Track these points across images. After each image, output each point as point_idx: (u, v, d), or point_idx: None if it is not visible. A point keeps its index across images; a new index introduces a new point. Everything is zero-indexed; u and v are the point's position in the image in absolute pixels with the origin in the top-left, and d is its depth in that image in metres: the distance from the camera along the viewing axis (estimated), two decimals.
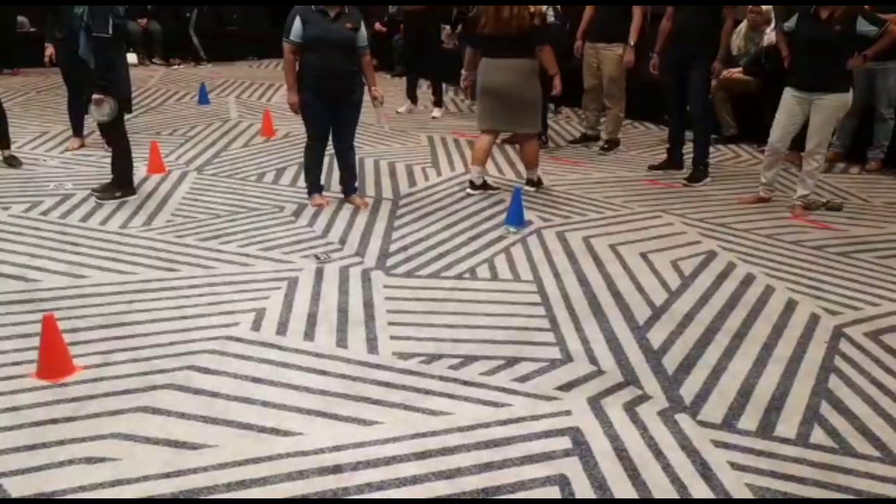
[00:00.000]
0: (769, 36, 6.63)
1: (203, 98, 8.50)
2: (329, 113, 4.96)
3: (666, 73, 5.92)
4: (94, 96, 4.77)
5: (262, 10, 12.63)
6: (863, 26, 4.78)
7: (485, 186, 5.52)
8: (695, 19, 5.59)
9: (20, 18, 10.18)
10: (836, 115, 5.02)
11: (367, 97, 5.05)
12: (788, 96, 5.10)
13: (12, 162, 5.72)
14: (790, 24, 5.09)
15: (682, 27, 5.71)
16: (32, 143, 6.48)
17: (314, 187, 5.22)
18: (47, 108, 7.84)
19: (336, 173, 5.33)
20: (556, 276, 4.12)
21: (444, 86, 8.51)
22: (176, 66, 11.06)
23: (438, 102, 8.31)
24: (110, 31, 4.68)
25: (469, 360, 3.21)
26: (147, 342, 3.26)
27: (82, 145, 6.37)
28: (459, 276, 4.09)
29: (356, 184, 5.31)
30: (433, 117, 8.10)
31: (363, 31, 4.90)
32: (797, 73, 5.06)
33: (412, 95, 8.43)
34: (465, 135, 7.33)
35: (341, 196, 5.27)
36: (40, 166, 5.82)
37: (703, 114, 5.89)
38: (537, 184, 5.60)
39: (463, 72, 5.96)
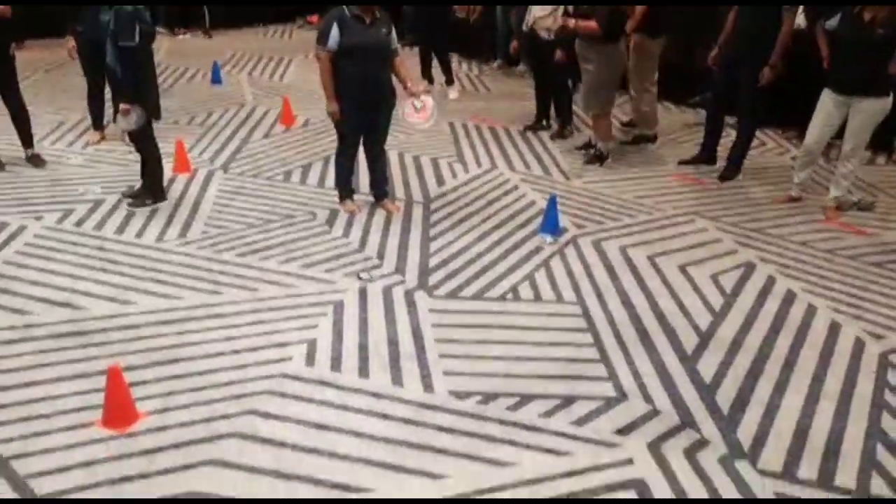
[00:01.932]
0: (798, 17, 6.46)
1: (216, 77, 8.36)
2: (364, 120, 4.88)
3: (719, 67, 5.78)
4: (122, 106, 4.69)
5: None
6: None
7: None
8: (755, 20, 5.42)
9: None
10: (876, 119, 4.97)
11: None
12: (827, 98, 5.04)
13: (37, 162, 5.64)
14: (832, 23, 4.99)
15: (741, 25, 5.54)
16: (51, 137, 6.39)
17: (346, 192, 5.18)
18: (59, 92, 7.69)
19: (365, 174, 5.29)
20: (599, 296, 4.13)
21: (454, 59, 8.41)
22: (181, 36, 10.83)
23: (450, 80, 8.19)
24: (137, 40, 4.58)
25: (525, 399, 3.25)
26: (204, 382, 3.28)
27: (102, 138, 6.28)
28: (503, 297, 4.10)
29: (387, 187, 5.27)
30: (452, 98, 7.99)
31: (394, 33, 4.80)
32: (837, 75, 4.98)
33: (427, 75, 8.29)
34: (486, 120, 7.25)
35: (371, 199, 5.24)
36: (64, 165, 5.75)
37: (750, 115, 5.74)
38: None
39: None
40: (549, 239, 4.77)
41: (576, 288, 4.21)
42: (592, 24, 5.58)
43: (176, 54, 9.65)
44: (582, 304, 4.04)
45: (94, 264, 4.26)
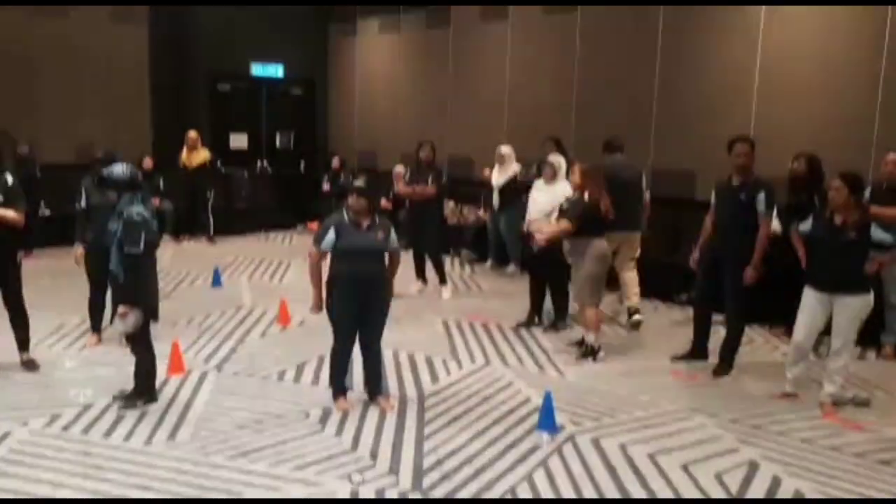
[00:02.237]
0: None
1: (216, 281, 8.59)
2: (357, 317, 4.99)
3: (701, 268, 5.99)
4: (121, 309, 4.80)
5: (268, 187, 13.11)
6: (877, 234, 4.95)
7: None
8: (734, 222, 5.69)
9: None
10: (860, 314, 5.08)
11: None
12: (809, 296, 5.19)
13: (31, 367, 5.64)
14: (805, 227, 5.26)
15: (720, 227, 5.82)
16: (49, 339, 6.44)
17: (339, 390, 5.16)
18: (62, 297, 7.84)
19: (359, 370, 5.29)
20: (601, 495, 3.98)
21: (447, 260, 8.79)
22: (186, 243, 11.25)
23: (443, 280, 8.45)
24: (141, 248, 4.77)
25: None
26: None
27: (99, 342, 6.34)
28: (502, 498, 3.95)
29: (382, 384, 5.26)
30: (446, 298, 8.19)
31: (393, 236, 5.03)
32: (815, 275, 5.17)
33: (422, 275, 8.55)
34: (480, 318, 7.38)
35: (366, 397, 5.20)
36: (58, 369, 5.74)
37: (737, 313, 5.86)
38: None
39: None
40: (546, 437, 4.69)
41: (576, 489, 4.07)
42: (564, 225, 6.02)
43: (179, 259, 9.99)
44: None
45: (77, 471, 4.13)
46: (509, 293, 8.52)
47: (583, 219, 6.04)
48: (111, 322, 5.24)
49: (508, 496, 3.98)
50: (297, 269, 9.68)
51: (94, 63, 11.66)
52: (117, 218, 4.80)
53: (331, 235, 4.91)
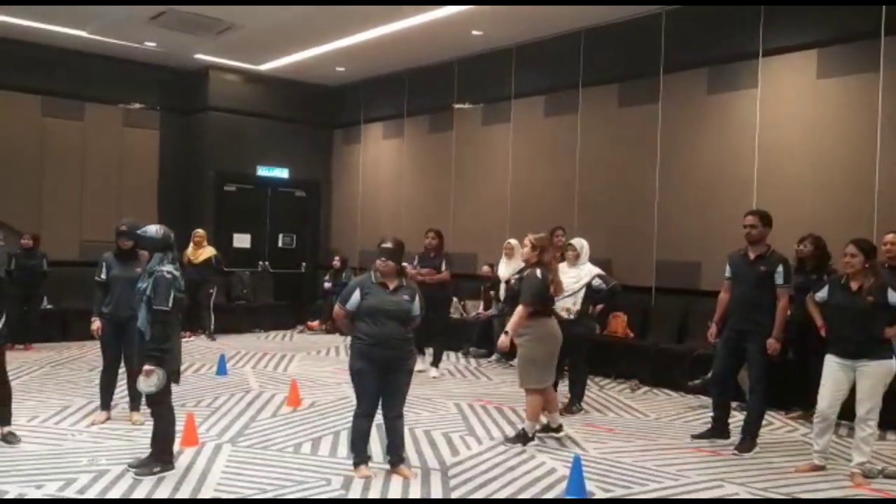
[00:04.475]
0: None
1: (222, 369, 8.48)
2: (380, 381, 4.94)
3: (722, 343, 5.97)
4: (146, 367, 4.74)
5: (269, 286, 13.16)
6: (894, 297, 5.05)
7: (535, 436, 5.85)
8: (753, 294, 5.74)
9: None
10: (884, 380, 5.09)
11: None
12: (832, 363, 5.21)
13: (11, 439, 5.43)
14: (822, 294, 5.37)
15: (738, 300, 5.83)
16: (56, 418, 6.27)
17: (360, 458, 5.03)
18: (65, 382, 7.72)
19: (377, 441, 5.18)
20: None
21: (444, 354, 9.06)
22: (186, 339, 11.14)
23: (436, 364, 8.64)
24: (170, 305, 4.79)
25: None
26: None
27: (108, 418, 6.18)
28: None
29: (403, 453, 5.13)
30: (432, 377, 8.23)
31: (418, 300, 5.07)
32: (837, 342, 5.21)
33: (421, 350, 8.53)
34: (491, 402, 7.30)
35: (387, 467, 5.07)
36: (69, 441, 5.58)
37: (762, 385, 5.80)
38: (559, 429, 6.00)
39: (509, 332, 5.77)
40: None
41: None
42: (520, 311, 5.67)
43: (183, 353, 9.83)
44: None
45: None
46: (515, 381, 8.44)
47: (536, 298, 5.67)
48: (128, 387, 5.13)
49: None
50: (301, 360, 9.62)
51: (105, 163, 12.02)
52: (147, 277, 4.83)
53: (356, 296, 4.94)
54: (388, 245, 4.98)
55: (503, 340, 5.75)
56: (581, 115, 10.00)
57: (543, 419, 6.03)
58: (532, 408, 5.84)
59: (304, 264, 13.79)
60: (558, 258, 6.77)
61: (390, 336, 4.88)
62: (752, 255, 5.87)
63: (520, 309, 5.72)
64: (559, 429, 6.02)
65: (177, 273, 4.87)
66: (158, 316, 4.77)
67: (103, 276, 6.13)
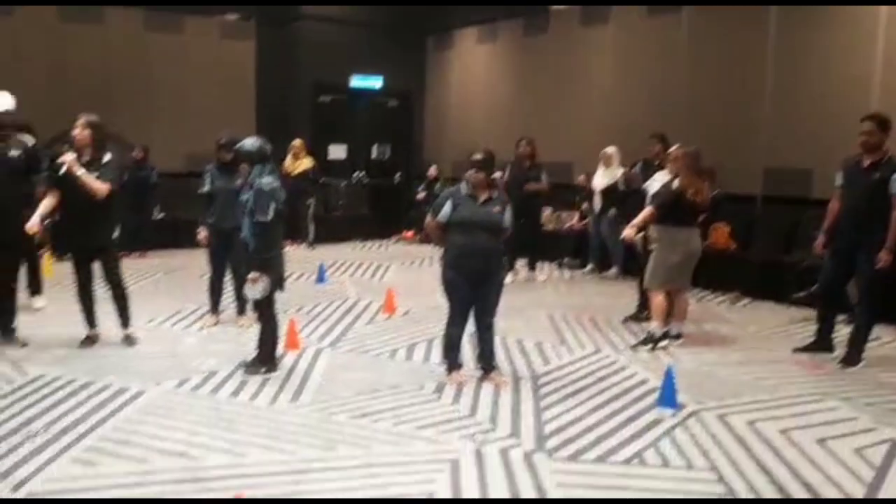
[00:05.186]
0: None
1: (321, 277, 8.79)
2: (471, 291, 5.00)
3: (830, 254, 5.73)
4: (251, 275, 4.96)
5: (364, 197, 13.40)
6: None
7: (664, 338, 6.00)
8: (865, 202, 5.43)
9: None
10: None
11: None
12: None
13: (130, 342, 5.82)
14: None
15: (849, 208, 5.55)
16: (169, 321, 6.70)
17: (453, 365, 5.17)
18: (177, 288, 8.20)
19: (469, 350, 5.30)
20: (733, 463, 3.84)
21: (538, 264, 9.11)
22: (287, 248, 11.54)
23: (532, 267, 8.89)
24: (270, 216, 4.94)
25: None
26: None
27: (217, 322, 6.56)
28: (628, 462, 3.85)
29: (494, 362, 5.23)
30: (541, 280, 8.31)
31: (508, 212, 5.04)
32: None
33: (511, 265, 8.54)
34: (585, 313, 7.28)
35: (478, 375, 5.19)
36: (180, 345, 5.97)
37: (871, 297, 5.56)
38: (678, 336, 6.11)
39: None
40: (668, 412, 4.55)
41: (706, 456, 3.93)
42: (647, 211, 6.01)
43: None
44: (717, 472, 3.75)
45: (210, 422, 4.26)
46: (613, 293, 8.40)
47: (666, 206, 5.92)
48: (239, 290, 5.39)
49: (635, 461, 3.87)
50: (397, 269, 9.84)
51: (205, 75, 12.27)
52: (248, 189, 4.99)
53: (447, 207, 4.96)
54: (479, 157, 4.94)
55: (628, 232, 6.06)
56: (686, 13, 9.41)
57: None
58: (655, 309, 6.04)
59: (398, 175, 13.90)
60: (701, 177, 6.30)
61: (481, 247, 4.90)
62: (865, 163, 5.49)
63: (648, 209, 6.05)
64: (678, 336, 6.13)
65: (276, 184, 5.01)
66: (260, 227, 4.94)
67: (207, 187, 6.38)
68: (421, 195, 12.57)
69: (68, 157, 5.36)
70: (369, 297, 7.85)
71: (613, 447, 4.04)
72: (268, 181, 4.96)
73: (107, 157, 5.57)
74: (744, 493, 3.50)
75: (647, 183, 6.73)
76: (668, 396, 4.67)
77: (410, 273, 9.71)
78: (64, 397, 4.59)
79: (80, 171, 5.36)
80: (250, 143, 5.06)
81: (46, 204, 5.46)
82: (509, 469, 3.72)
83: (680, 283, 6.15)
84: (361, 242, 12.62)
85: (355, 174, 13.47)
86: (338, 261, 10.38)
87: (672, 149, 6.57)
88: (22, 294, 6.24)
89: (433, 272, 9.65)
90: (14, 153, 5.55)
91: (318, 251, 11.30)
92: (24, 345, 5.68)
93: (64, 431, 4.06)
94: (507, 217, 5.03)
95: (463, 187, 5.00)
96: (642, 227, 6.11)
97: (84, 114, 5.65)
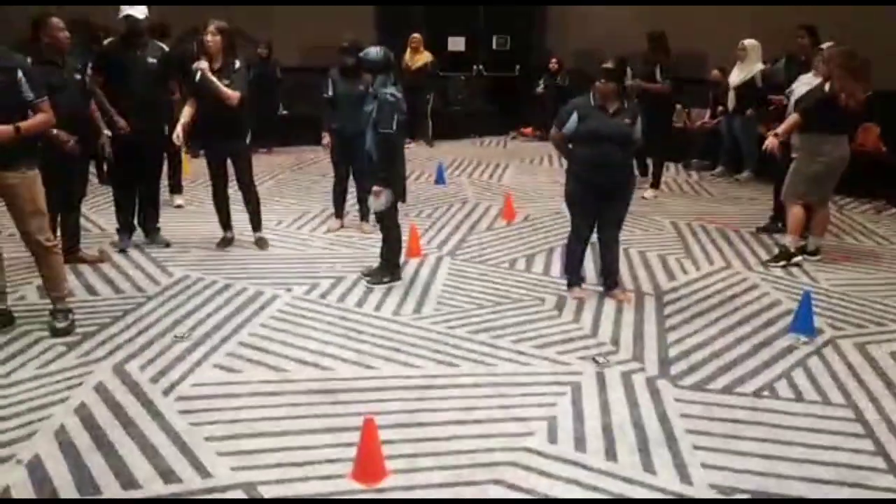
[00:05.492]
0: None
1: (440, 178, 8.80)
2: (597, 205, 4.86)
3: None
4: (374, 188, 5.01)
5: (483, 90, 13.11)
6: None
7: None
8: None
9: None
10: None
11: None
12: None
13: (262, 245, 6.05)
14: None
15: None
16: (297, 223, 6.94)
17: (574, 279, 5.11)
18: (301, 188, 8.43)
19: (590, 265, 5.22)
20: (873, 399, 3.65)
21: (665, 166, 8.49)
22: (406, 146, 11.57)
23: (656, 185, 8.09)
24: (394, 128, 4.92)
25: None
26: (447, 447, 3.23)
27: (342, 226, 6.73)
28: (757, 394, 3.74)
29: (618, 278, 5.13)
30: (643, 197, 7.80)
31: (639, 124, 4.79)
32: None
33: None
34: (713, 221, 6.97)
35: (600, 289, 5.12)
36: (309, 248, 6.19)
37: None
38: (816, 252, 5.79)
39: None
40: (803, 338, 4.35)
41: (843, 390, 3.76)
42: (793, 118, 5.54)
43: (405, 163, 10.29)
44: (854, 407, 3.59)
45: (339, 332, 4.44)
46: (742, 198, 8.00)
47: (814, 112, 5.41)
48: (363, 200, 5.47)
49: (765, 393, 3.75)
50: (516, 169, 9.70)
51: None
52: (372, 99, 4.96)
53: (573, 119, 4.75)
54: (609, 65, 4.67)
55: (771, 141, 5.54)
56: None
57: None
58: (791, 221, 5.72)
59: (518, 67, 13.46)
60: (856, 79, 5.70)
61: (609, 161, 4.70)
62: None
63: (793, 116, 5.59)
64: (815, 252, 5.81)
65: (399, 95, 4.94)
66: (383, 138, 4.93)
67: (330, 92, 6.39)
68: (540, 89, 12.17)
69: (202, 65, 5.49)
70: (488, 201, 7.81)
71: (742, 376, 3.92)
72: (391, 91, 4.89)
73: (237, 63, 5.65)
74: (884, 435, 3.34)
75: (794, 85, 6.19)
76: (803, 321, 4.46)
77: (529, 174, 9.55)
78: (205, 301, 4.89)
79: (213, 79, 5.49)
80: (374, 52, 4.98)
81: (187, 113, 5.66)
82: (631, 395, 3.70)
83: (821, 195, 5.75)
84: (479, 138, 12.49)
85: (474, 67, 13.15)
86: (456, 159, 10.33)
87: (823, 46, 5.98)
88: (163, 191, 6.60)
89: (552, 173, 9.53)
90: (151, 60, 5.72)
91: (436, 148, 11.28)
92: (168, 244, 6.06)
93: (207, 335, 4.34)
94: (638, 129, 4.78)
95: (591, 98, 4.76)
96: (786, 136, 5.64)
97: (214, 19, 5.71)
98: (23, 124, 3.96)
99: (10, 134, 3.90)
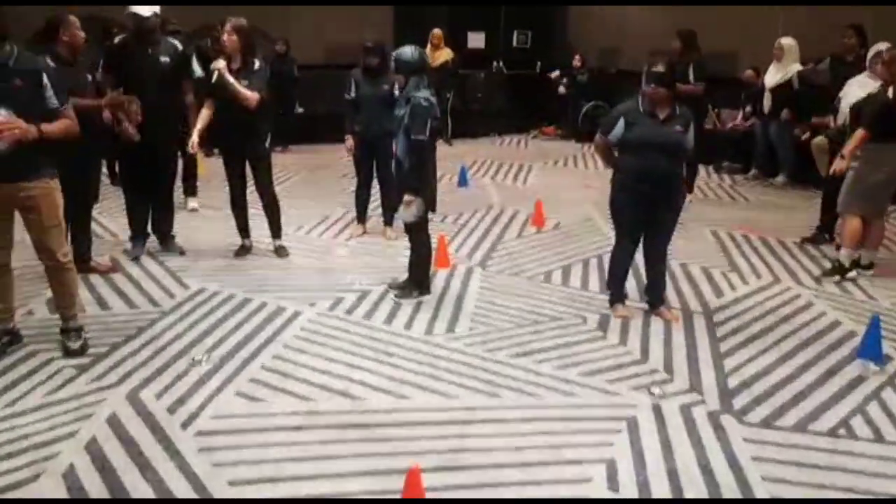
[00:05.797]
0: None
1: (463, 180, 8.47)
2: (644, 217, 4.52)
3: None
4: (406, 198, 4.68)
5: (503, 88, 12.75)
6: None
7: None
8: None
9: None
10: None
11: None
12: None
13: (281, 253, 5.76)
14: None
15: None
16: (318, 228, 6.62)
17: (617, 296, 4.78)
18: (322, 189, 8.11)
19: (631, 280, 4.90)
20: None
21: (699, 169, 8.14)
22: None
23: (689, 189, 7.70)
24: (427, 135, 4.59)
25: None
26: (493, 494, 2.90)
27: (364, 232, 6.42)
28: (833, 433, 3.40)
29: (664, 294, 4.79)
30: None
31: (692, 132, 4.45)
32: None
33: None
34: (754, 231, 6.62)
35: (644, 307, 4.78)
36: (332, 256, 5.87)
37: None
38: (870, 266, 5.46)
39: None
40: (873, 367, 4.01)
41: None
42: (859, 134, 5.11)
43: None
44: None
45: (368, 354, 4.12)
46: (781, 205, 7.66)
47: (878, 121, 5.04)
48: (391, 212, 5.17)
49: (842, 432, 3.41)
50: (539, 172, 9.37)
51: None
52: (404, 103, 4.62)
53: (620, 126, 4.41)
54: (660, 69, 4.30)
55: (839, 165, 5.19)
56: None
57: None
58: (847, 233, 5.36)
59: (538, 64, 13.09)
60: None
61: (658, 171, 4.36)
62: None
63: (859, 132, 5.14)
64: (869, 266, 5.46)
65: (433, 99, 4.61)
66: (416, 145, 4.60)
67: (353, 93, 6.06)
68: (562, 89, 11.81)
69: (220, 65, 5.19)
70: (514, 205, 7.48)
71: (812, 412, 3.58)
72: (424, 96, 4.56)
73: (256, 63, 5.34)
74: None
75: (845, 89, 5.83)
76: (871, 347, 4.11)
77: (554, 175, 9.21)
78: (224, 317, 4.58)
79: (230, 80, 5.18)
80: (409, 52, 4.64)
81: (204, 116, 5.35)
82: (693, 433, 3.37)
83: (879, 207, 5.39)
84: (499, 137, 12.17)
85: (494, 64, 12.79)
86: (477, 160, 10.00)
87: (879, 48, 5.62)
88: (177, 194, 6.30)
89: (578, 175, 9.19)
90: (164, 59, 5.41)
91: (456, 147, 10.95)
92: (182, 252, 5.76)
93: (227, 358, 4.03)
94: (690, 137, 4.44)
95: (639, 103, 4.41)
96: (854, 154, 5.20)
97: (231, 18, 5.40)
98: (45, 126, 3.66)
99: (34, 135, 3.59)
